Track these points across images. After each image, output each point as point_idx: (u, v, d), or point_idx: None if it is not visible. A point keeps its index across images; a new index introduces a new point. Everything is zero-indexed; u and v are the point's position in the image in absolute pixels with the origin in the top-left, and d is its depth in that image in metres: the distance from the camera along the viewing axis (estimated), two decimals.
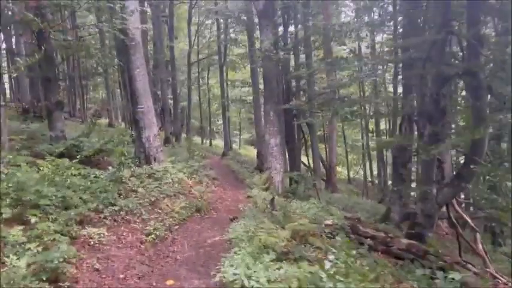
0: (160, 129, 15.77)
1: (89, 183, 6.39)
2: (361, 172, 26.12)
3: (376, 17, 16.80)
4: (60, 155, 7.68)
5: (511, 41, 6.98)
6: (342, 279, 3.38)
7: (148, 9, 18.36)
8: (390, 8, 14.59)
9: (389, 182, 16.98)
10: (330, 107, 12.96)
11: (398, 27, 13.10)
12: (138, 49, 9.14)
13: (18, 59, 8.19)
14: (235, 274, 3.70)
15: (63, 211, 5.14)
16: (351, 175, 26.85)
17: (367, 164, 24.34)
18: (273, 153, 11.50)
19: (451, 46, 9.35)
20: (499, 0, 8.43)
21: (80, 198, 5.66)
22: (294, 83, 15.16)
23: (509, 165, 8.82)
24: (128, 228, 5.71)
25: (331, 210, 8.49)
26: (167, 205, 6.98)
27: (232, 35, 23.57)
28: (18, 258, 3.66)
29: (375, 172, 24.07)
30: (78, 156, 7.62)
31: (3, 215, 4.46)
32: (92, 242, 4.90)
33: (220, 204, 8.87)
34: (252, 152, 26.88)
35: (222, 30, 22.89)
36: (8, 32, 17.60)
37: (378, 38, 19.80)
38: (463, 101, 9.86)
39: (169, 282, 4.37)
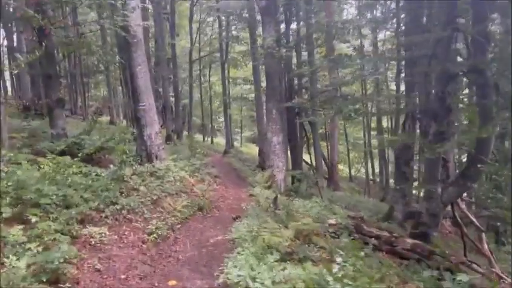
0: (161, 127, 15.72)
1: (90, 181, 6.32)
2: (363, 170, 26.04)
3: (378, 15, 16.73)
4: (61, 153, 7.63)
5: (511, 41, 6.85)
6: (350, 282, 3.30)
7: (150, 6, 18.22)
8: (393, 5, 14.51)
9: (391, 180, 16.92)
10: (333, 105, 12.86)
11: (401, 24, 12.98)
12: (139, 46, 9.07)
13: (19, 56, 8.10)
14: (239, 275, 3.63)
15: (64, 210, 5.09)
16: (353, 173, 26.78)
17: (369, 162, 24.25)
18: (275, 151, 11.43)
19: (456, 43, 9.24)
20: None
21: (81, 196, 5.61)
22: (296, 81, 15.05)
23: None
24: (129, 227, 5.65)
25: (334, 209, 8.43)
26: (169, 204, 6.93)
27: (234, 32, 23.48)
28: (18, 259, 3.61)
29: (377, 170, 24.00)
30: (79, 154, 7.60)
31: (3, 214, 4.41)
32: (93, 242, 4.84)
33: (222, 203, 8.82)
34: (254, 149, 26.74)
35: (223, 28, 22.79)
36: (9, 29, 17.51)
37: (381, 36, 19.66)
38: (466, 99, 9.75)
39: (172, 282, 4.31)
